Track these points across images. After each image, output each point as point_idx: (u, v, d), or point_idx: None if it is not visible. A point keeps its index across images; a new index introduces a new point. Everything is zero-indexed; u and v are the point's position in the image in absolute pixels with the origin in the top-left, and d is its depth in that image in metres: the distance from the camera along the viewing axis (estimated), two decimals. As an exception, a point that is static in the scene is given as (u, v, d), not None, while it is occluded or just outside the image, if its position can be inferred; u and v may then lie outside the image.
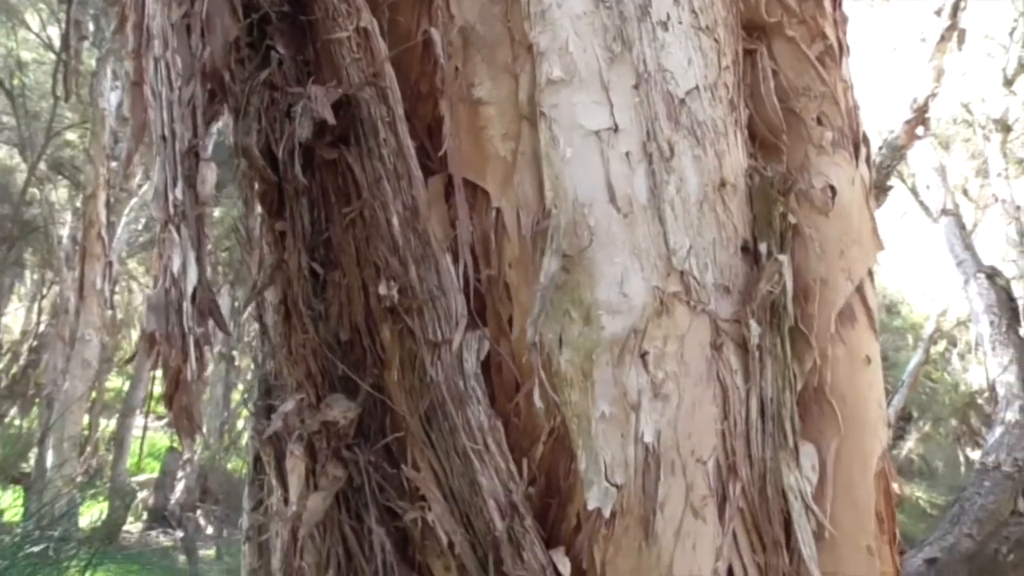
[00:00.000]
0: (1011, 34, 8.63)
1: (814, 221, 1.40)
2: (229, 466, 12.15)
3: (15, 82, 10.79)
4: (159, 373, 1.33)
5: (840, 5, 1.54)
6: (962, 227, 6.98)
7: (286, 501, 1.38)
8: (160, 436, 13.57)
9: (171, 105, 1.32)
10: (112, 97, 8.84)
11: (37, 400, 11.81)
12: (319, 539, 1.31)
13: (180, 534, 9.62)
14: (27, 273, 14.93)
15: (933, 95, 5.96)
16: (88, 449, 11.72)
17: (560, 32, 1.29)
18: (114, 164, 8.68)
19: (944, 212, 6.99)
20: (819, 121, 1.46)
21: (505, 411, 1.28)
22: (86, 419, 10.83)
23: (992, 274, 6.35)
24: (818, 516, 1.28)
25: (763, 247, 1.34)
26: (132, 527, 10.34)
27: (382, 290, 1.25)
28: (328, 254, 1.31)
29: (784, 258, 1.32)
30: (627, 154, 1.26)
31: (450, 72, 1.33)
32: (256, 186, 1.34)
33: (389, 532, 1.27)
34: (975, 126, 9.53)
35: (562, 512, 1.25)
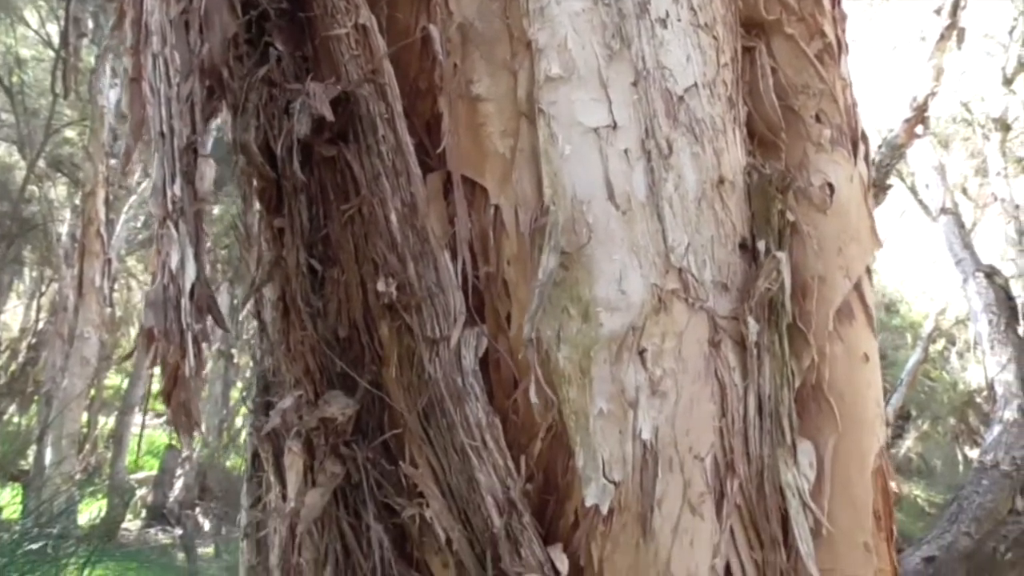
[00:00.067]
0: (1011, 33, 8.62)
1: (812, 219, 1.40)
2: (228, 464, 12.16)
3: (14, 79, 10.78)
4: (158, 370, 1.33)
5: (839, 3, 1.54)
6: (961, 226, 6.98)
7: (284, 497, 1.38)
8: (159, 434, 13.57)
9: (169, 101, 1.32)
10: (111, 94, 8.84)
11: (36, 397, 11.81)
12: (317, 535, 1.32)
13: (179, 532, 9.63)
14: (26, 270, 14.92)
15: (932, 94, 5.96)
16: (87, 447, 11.73)
17: (559, 29, 1.29)
18: (113, 161, 8.68)
19: (943, 211, 6.99)
20: (818, 119, 1.46)
21: (503, 408, 1.28)
22: (85, 416, 10.83)
23: (991, 273, 6.35)
24: (816, 513, 1.28)
25: (761, 244, 1.34)
26: (131, 524, 10.35)
27: (380, 287, 1.25)
28: (326, 251, 1.31)
29: (782, 255, 1.32)
30: (626, 151, 1.26)
31: (449, 69, 1.33)
32: (254, 183, 1.34)
33: (387, 529, 1.27)
34: (974, 125, 9.53)
35: (560, 509, 1.25)
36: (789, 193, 1.37)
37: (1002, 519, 5.22)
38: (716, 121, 1.34)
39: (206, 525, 10.65)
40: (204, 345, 1.29)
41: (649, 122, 1.28)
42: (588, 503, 1.21)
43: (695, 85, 1.32)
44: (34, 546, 4.55)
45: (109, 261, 8.70)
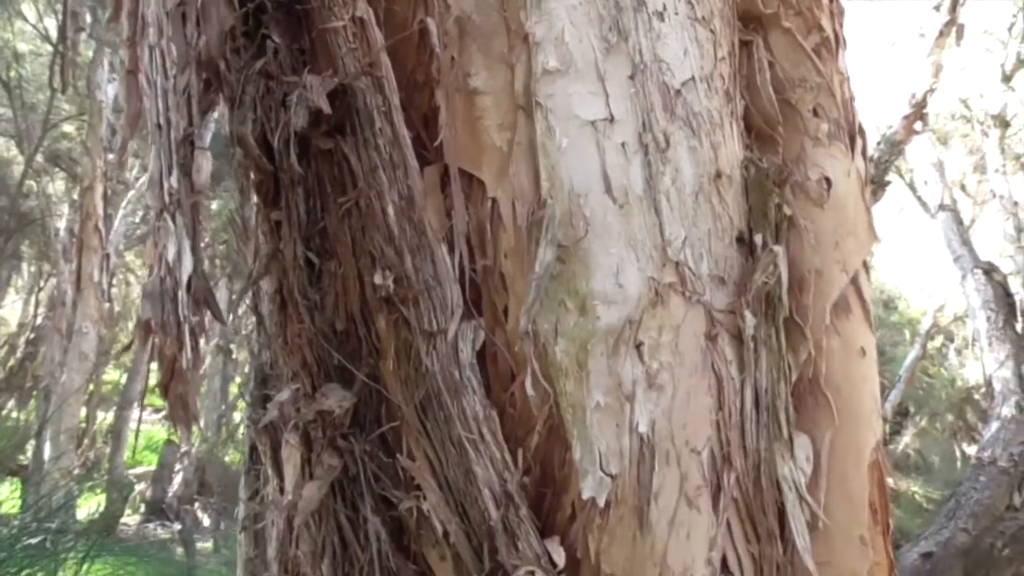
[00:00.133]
0: (1010, 30, 8.62)
1: (809, 213, 1.40)
2: (227, 459, 12.17)
3: (12, 74, 10.76)
4: (156, 365, 1.33)
5: (837, -3, 1.54)
6: (960, 223, 6.99)
7: (282, 490, 1.38)
8: (158, 429, 13.57)
9: (166, 94, 1.32)
10: (109, 89, 8.83)
11: (34, 393, 11.81)
12: (314, 528, 1.32)
13: (178, 527, 9.63)
14: (24, 265, 14.91)
15: (931, 90, 5.96)
16: (85, 442, 11.73)
17: (556, 22, 1.28)
18: (111, 156, 8.66)
19: (942, 208, 6.99)
20: (815, 113, 1.46)
21: (500, 401, 1.28)
22: (83, 412, 10.83)
23: (989, 270, 6.36)
24: (812, 507, 1.28)
25: (758, 238, 1.34)
26: (130, 519, 10.35)
27: (378, 280, 1.25)
28: (324, 244, 1.31)
29: (779, 249, 1.33)
30: (623, 144, 1.26)
31: (446, 62, 1.33)
32: (252, 175, 1.34)
33: (384, 521, 1.28)
34: (973, 122, 9.53)
35: (557, 502, 1.25)
36: (786, 187, 1.37)
37: (999, 515, 5.23)
38: (713, 115, 1.34)
39: (205, 520, 10.66)
40: (202, 338, 1.29)
41: (646, 115, 1.28)
42: (585, 496, 1.21)
43: (692, 79, 1.32)
44: (33, 541, 4.56)
45: (107, 256, 8.70)
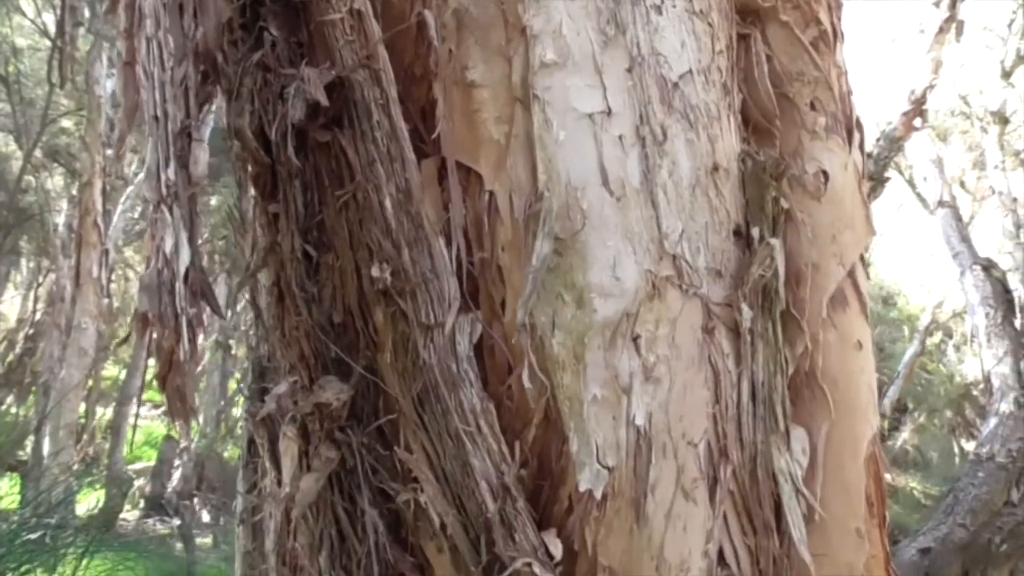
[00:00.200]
0: (1010, 26, 8.60)
1: (806, 206, 1.40)
2: (226, 454, 12.17)
3: (10, 69, 10.73)
4: (154, 358, 1.33)
5: (835, -9, 1.53)
6: (959, 219, 6.98)
7: (279, 483, 1.38)
8: (157, 424, 13.57)
9: (163, 86, 1.32)
10: (108, 84, 8.80)
11: (34, 388, 11.81)
12: (312, 520, 1.32)
13: (177, 522, 9.63)
14: (23, 261, 14.89)
15: (931, 87, 5.94)
16: (85, 437, 11.74)
17: (553, 15, 1.28)
18: (110, 152, 8.65)
19: (941, 204, 6.98)
20: (812, 106, 1.46)
21: (497, 394, 1.28)
22: (83, 407, 10.83)
23: (988, 266, 6.35)
24: (808, 499, 1.29)
25: (755, 231, 1.34)
26: (129, 515, 10.36)
27: (375, 272, 1.25)
28: (321, 236, 1.32)
29: (776, 242, 1.33)
30: (620, 137, 1.26)
31: (443, 55, 1.33)
32: (249, 168, 1.34)
33: (382, 514, 1.28)
34: (973, 118, 9.52)
35: (554, 494, 1.26)
36: (783, 180, 1.37)
37: (997, 511, 5.24)
38: (711, 108, 1.34)
39: (204, 515, 10.66)
40: (199, 330, 1.29)
41: (644, 108, 1.28)
42: (582, 488, 1.21)
43: (690, 72, 1.32)
44: (32, 536, 4.56)
45: (106, 251, 8.69)
